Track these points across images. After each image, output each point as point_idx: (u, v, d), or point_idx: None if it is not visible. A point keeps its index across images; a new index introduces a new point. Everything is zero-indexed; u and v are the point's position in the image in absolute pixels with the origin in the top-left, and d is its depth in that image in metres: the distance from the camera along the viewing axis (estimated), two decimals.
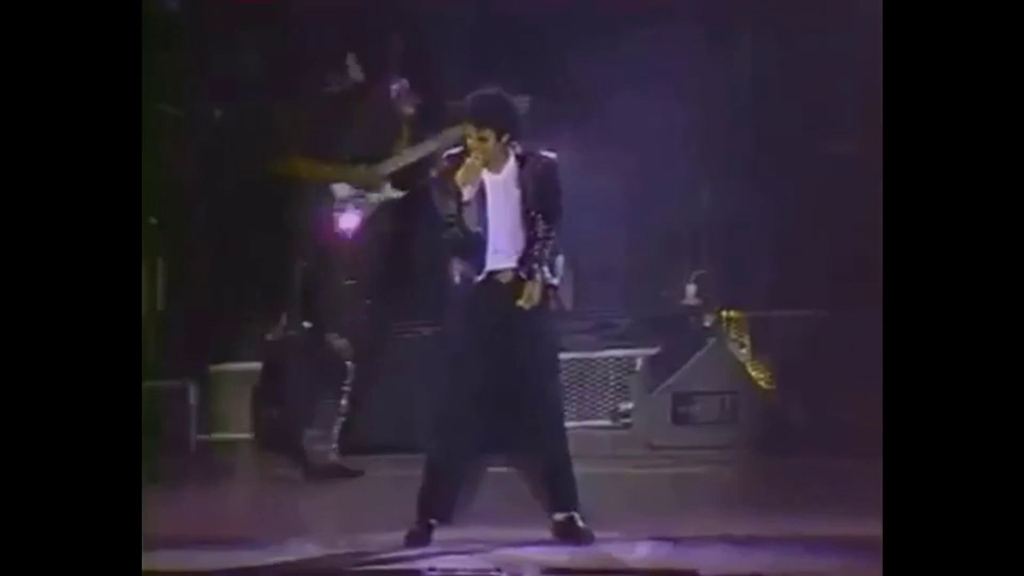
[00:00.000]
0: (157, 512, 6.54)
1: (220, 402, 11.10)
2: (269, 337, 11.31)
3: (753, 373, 10.98)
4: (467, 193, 7.18)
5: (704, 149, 11.79)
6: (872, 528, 7.39)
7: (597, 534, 7.33)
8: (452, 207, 7.22)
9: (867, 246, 10.99)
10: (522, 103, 7.47)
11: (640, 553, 7.15)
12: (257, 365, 11.01)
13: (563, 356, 10.47)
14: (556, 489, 7.34)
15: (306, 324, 11.08)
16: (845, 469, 9.61)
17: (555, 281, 7.39)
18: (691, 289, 11.67)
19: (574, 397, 11.19)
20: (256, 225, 11.54)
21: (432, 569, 6.81)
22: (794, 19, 11.52)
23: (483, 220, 7.25)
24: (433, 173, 7.37)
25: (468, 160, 7.21)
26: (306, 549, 7.37)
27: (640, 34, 11.91)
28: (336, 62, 11.23)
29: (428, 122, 11.06)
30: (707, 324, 11.34)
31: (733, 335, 11.30)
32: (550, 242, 7.34)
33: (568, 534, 7.30)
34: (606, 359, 11.48)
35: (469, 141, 7.24)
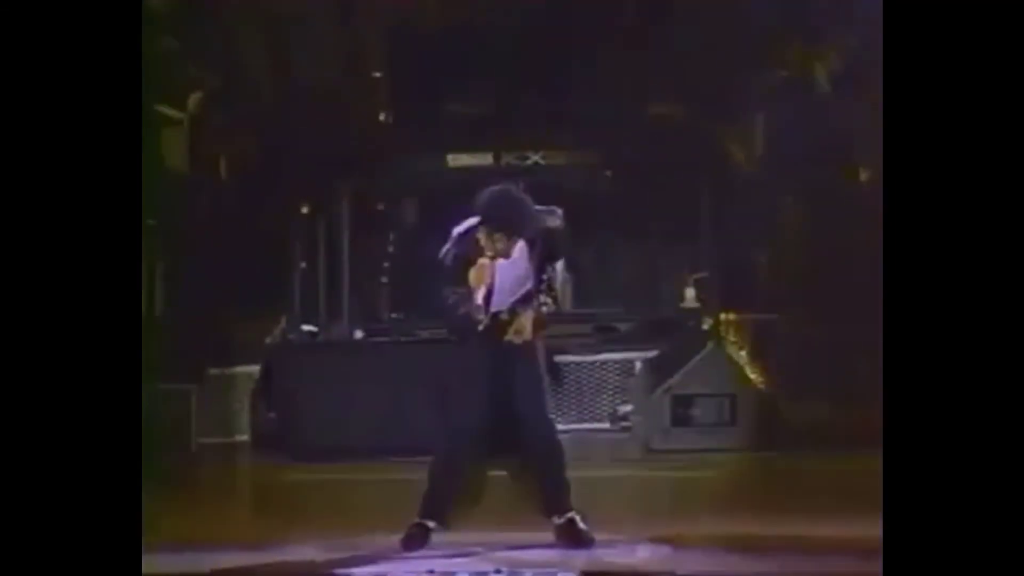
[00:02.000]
0: (158, 514, 6.54)
1: (221, 405, 11.11)
2: (268, 340, 11.33)
3: (752, 376, 10.99)
4: (479, 296, 7.26)
5: (705, 152, 11.83)
6: (872, 531, 7.43)
7: (596, 537, 7.33)
8: (459, 300, 7.28)
9: (866, 250, 11.08)
10: (554, 217, 7.50)
11: (639, 556, 7.14)
12: (257, 368, 11.04)
13: (563, 359, 10.53)
14: (553, 494, 7.37)
15: (305, 327, 11.12)
16: (844, 471, 9.63)
17: (549, 274, 7.43)
18: (690, 292, 11.70)
19: (573, 400, 11.20)
20: (255, 229, 11.57)
21: (431, 571, 6.81)
22: (795, 22, 11.55)
23: (488, 296, 7.33)
24: (448, 250, 7.37)
25: (481, 260, 7.27)
26: (304, 551, 7.37)
27: (641, 37, 11.94)
28: None
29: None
30: (706, 327, 11.37)
31: (732, 338, 11.33)
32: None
33: (570, 536, 7.31)
34: (605, 362, 11.49)
35: (481, 239, 7.29)
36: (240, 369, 11.20)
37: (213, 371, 11.18)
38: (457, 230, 7.37)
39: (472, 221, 7.31)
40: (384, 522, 7.55)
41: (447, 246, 7.37)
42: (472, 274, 7.27)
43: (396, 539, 7.27)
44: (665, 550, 7.22)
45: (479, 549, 7.18)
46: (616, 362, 11.47)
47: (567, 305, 11.74)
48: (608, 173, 12.73)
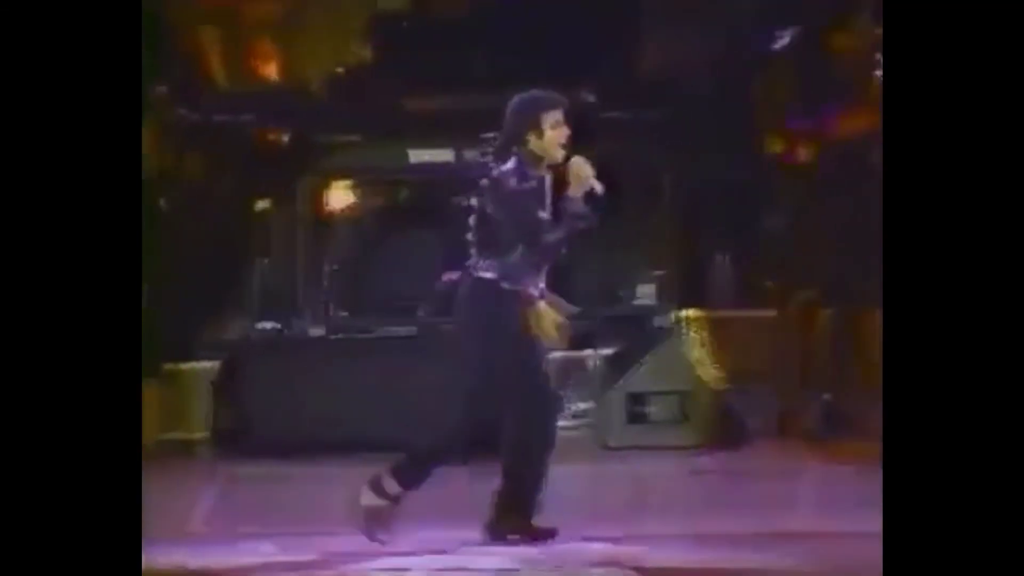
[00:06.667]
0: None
1: (177, 401, 11.11)
2: (228, 337, 11.33)
3: (707, 373, 11.05)
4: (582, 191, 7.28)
5: (665, 147, 11.86)
6: (827, 524, 7.53)
7: (559, 532, 7.35)
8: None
9: (822, 246, 11.15)
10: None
11: (596, 552, 7.19)
12: (215, 364, 11.04)
13: None
14: (534, 491, 7.37)
15: (265, 324, 11.11)
16: (799, 467, 9.73)
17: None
18: (646, 289, 11.73)
19: None
20: (217, 222, 11.57)
21: (397, 569, 6.83)
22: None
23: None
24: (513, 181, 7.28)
25: (573, 163, 7.28)
26: (263, 548, 7.39)
27: (607, 26, 11.97)
28: None
29: None
30: (662, 324, 11.41)
31: (688, 335, 11.37)
32: None
33: (526, 532, 7.34)
34: (563, 359, 11.53)
35: (555, 132, 7.27)
36: (199, 365, 11.21)
37: (170, 367, 11.18)
38: (508, 165, 7.23)
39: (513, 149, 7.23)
40: (345, 519, 7.56)
41: (507, 172, 7.19)
42: (576, 173, 7.22)
43: (359, 536, 7.29)
44: (622, 546, 7.27)
45: (438, 546, 7.21)
46: (573, 359, 11.52)
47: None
48: None
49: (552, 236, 7.24)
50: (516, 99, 7.39)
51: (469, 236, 7.37)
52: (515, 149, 7.29)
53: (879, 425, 10.58)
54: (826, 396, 11.02)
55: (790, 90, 11.32)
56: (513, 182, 7.24)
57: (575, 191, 7.27)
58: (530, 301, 7.21)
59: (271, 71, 12.29)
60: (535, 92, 7.40)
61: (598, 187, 7.32)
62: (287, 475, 9.89)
